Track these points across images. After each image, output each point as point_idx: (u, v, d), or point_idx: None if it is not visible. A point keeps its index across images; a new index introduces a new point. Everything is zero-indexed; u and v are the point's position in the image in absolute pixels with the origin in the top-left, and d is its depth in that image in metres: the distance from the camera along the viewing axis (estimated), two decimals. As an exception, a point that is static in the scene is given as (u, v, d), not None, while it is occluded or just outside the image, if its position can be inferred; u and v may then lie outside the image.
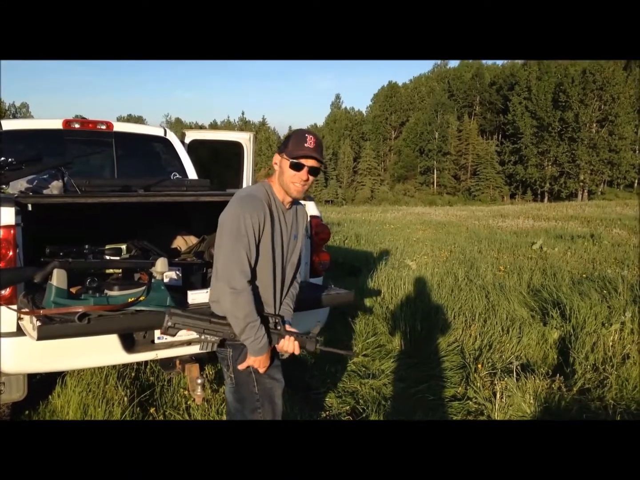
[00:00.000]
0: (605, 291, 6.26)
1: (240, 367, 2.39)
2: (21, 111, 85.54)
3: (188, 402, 3.94)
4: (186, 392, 4.03)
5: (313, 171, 2.36)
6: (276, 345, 2.41)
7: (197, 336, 2.38)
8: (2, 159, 3.48)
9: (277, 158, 2.41)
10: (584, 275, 7.62)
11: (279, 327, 2.40)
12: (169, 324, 2.32)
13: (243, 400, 2.45)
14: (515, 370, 4.21)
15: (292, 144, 2.34)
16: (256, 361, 2.35)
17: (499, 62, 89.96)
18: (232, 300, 2.25)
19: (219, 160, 6.16)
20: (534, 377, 4.15)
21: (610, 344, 4.80)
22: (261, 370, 2.39)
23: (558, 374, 4.28)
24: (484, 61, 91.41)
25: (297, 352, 2.40)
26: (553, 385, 4.10)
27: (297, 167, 2.33)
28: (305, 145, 2.31)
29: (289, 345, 2.39)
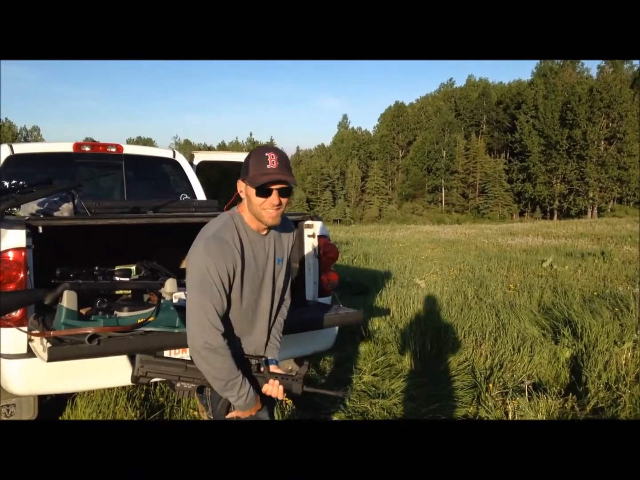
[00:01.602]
0: (617, 309, 6.21)
1: (228, 416, 2.16)
2: (32, 134, 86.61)
3: (197, 424, 3.93)
4: (196, 413, 4.02)
5: (284, 192, 2.06)
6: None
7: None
8: (14, 182, 3.53)
9: (241, 185, 2.11)
10: (595, 293, 7.57)
11: (262, 369, 2.16)
12: (140, 372, 2.05)
13: None
14: (527, 390, 4.17)
15: (253, 168, 2.04)
16: (245, 414, 2.13)
17: (505, 82, 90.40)
18: (207, 357, 1.99)
19: (227, 181, 6.20)
20: (546, 396, 4.10)
21: (623, 362, 4.75)
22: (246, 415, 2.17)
23: (570, 393, 4.23)
24: (490, 80, 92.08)
25: (281, 397, 2.15)
26: (566, 405, 4.04)
27: (264, 193, 2.03)
28: (268, 167, 2.02)
29: (272, 390, 2.13)
